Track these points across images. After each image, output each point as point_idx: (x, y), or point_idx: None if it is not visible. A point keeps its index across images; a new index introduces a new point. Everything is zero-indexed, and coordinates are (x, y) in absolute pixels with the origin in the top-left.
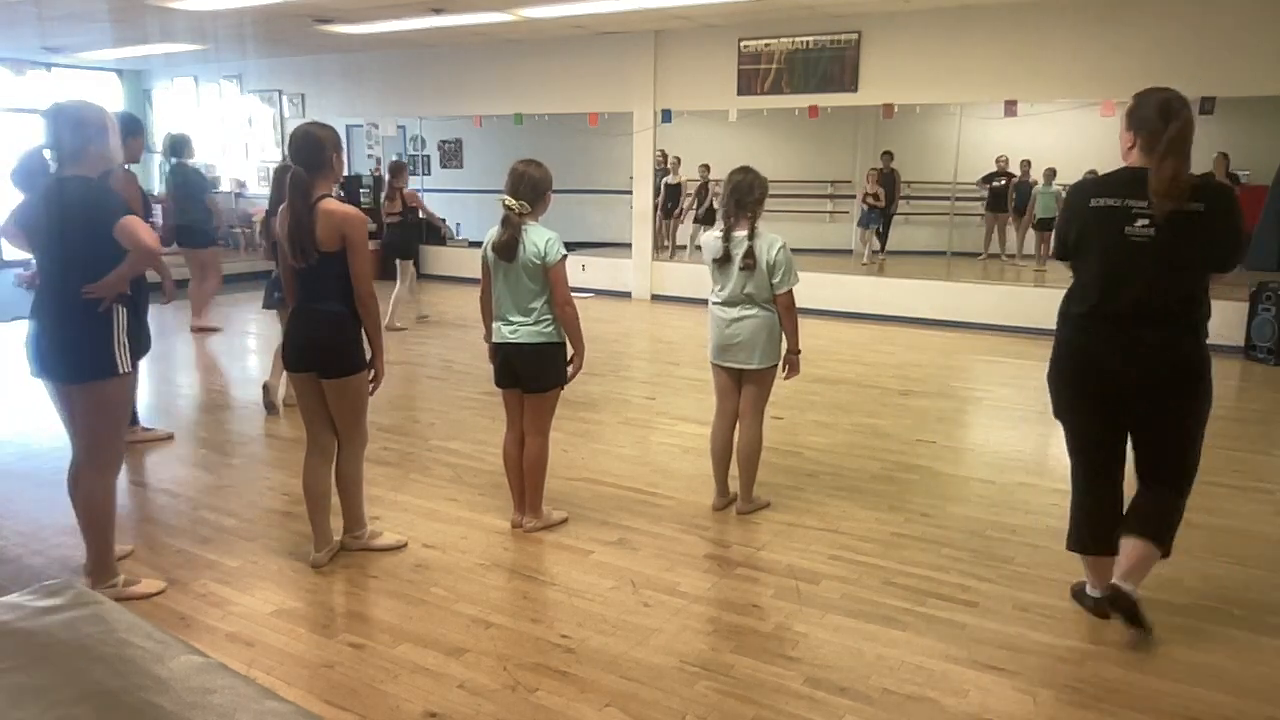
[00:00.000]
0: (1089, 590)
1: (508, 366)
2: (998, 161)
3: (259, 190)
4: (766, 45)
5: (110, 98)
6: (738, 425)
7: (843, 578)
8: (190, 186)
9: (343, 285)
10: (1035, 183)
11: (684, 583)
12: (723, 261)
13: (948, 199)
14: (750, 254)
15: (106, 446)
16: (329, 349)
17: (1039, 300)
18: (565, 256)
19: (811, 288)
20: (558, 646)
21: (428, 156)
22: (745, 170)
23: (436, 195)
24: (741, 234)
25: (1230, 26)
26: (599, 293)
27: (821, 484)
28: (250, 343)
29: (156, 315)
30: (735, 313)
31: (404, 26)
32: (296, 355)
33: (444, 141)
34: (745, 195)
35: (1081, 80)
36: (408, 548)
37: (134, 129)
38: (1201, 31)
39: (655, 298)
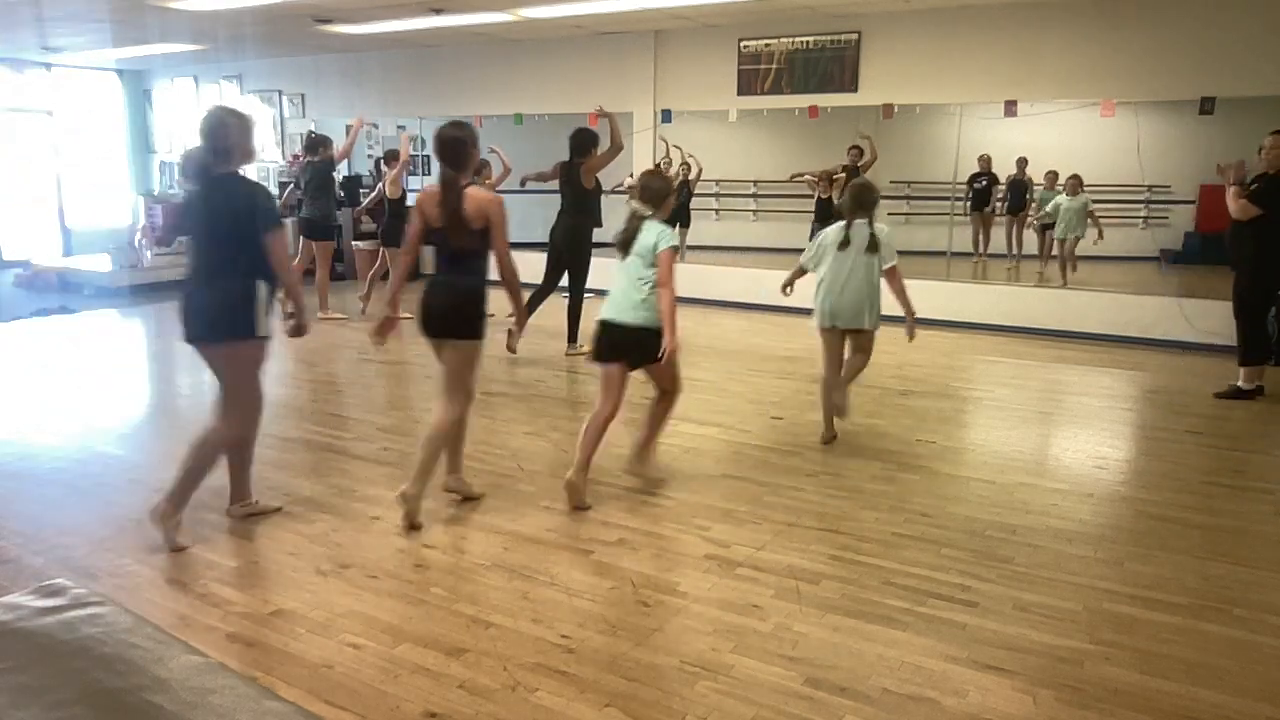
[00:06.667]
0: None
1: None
2: (980, 160)
3: None
4: (766, 45)
5: (110, 98)
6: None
7: (843, 578)
8: (321, 182)
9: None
10: (1031, 181)
11: (684, 583)
12: (844, 244)
13: (948, 199)
14: (874, 239)
15: (241, 394)
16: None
17: (1039, 300)
18: (675, 248)
19: (811, 289)
20: (558, 646)
21: (428, 156)
22: (868, 184)
23: None
24: (861, 222)
25: (1230, 26)
26: (599, 293)
27: (821, 484)
28: None
29: (155, 314)
30: (848, 287)
31: (404, 26)
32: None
33: None
34: (865, 198)
35: (1081, 80)
36: (406, 549)
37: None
38: (1201, 31)
39: None
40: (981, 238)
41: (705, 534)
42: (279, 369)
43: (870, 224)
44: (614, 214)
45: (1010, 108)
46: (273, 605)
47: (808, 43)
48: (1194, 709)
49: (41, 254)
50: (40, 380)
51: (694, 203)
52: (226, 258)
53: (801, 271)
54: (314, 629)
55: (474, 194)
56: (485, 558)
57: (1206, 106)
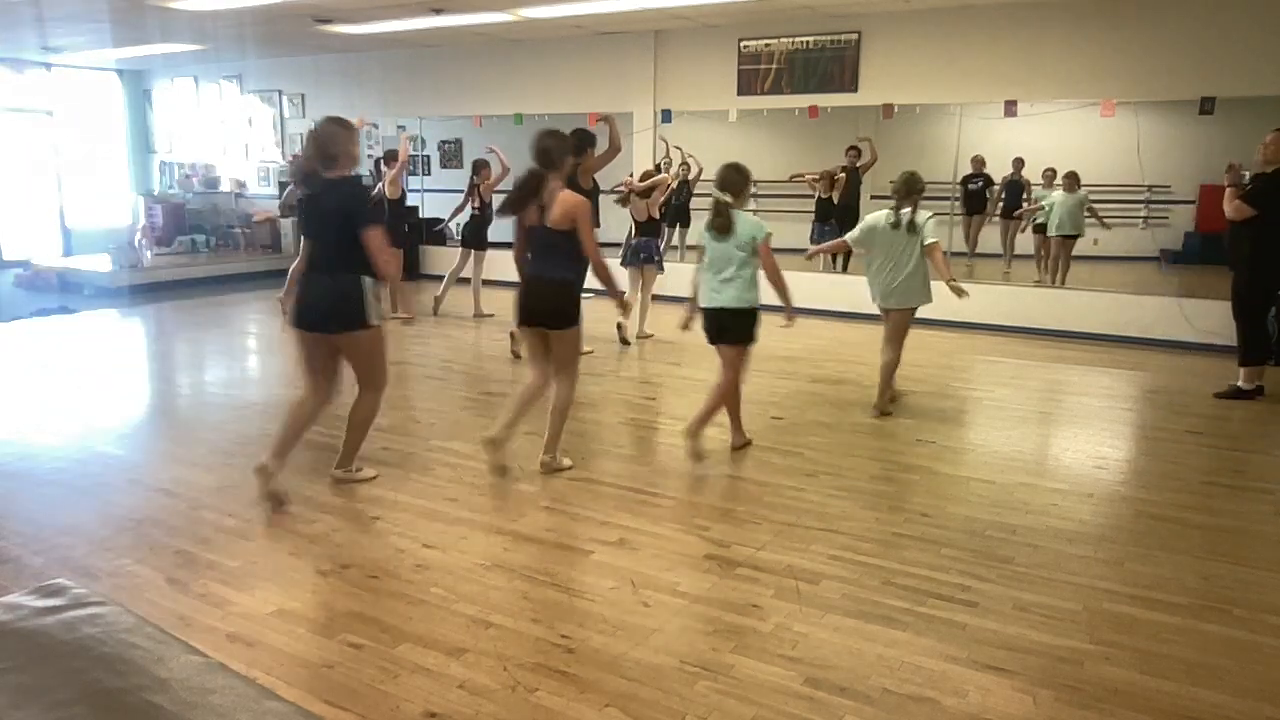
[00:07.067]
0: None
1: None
2: (973, 162)
3: (259, 190)
4: (766, 45)
5: (110, 98)
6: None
7: (843, 578)
8: None
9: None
10: (1028, 182)
11: (684, 583)
12: (895, 226)
13: (947, 199)
14: (913, 223)
15: (377, 374)
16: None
17: (1039, 300)
18: (770, 235)
19: (812, 287)
20: (558, 646)
21: (428, 157)
22: (915, 173)
23: (437, 195)
24: (907, 211)
25: (1230, 26)
26: (599, 293)
27: (821, 484)
28: (250, 343)
29: (155, 314)
30: (895, 266)
31: (404, 26)
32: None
33: (444, 142)
34: (914, 185)
35: (1081, 80)
36: (406, 549)
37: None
38: (1201, 31)
39: (654, 298)
40: (972, 240)
41: (705, 534)
42: (280, 369)
43: (915, 210)
44: (612, 215)
45: (1010, 108)
46: (273, 605)
47: (808, 43)
48: (1194, 709)
49: (41, 254)
50: (40, 380)
51: (694, 203)
52: (338, 254)
53: (843, 245)
54: (314, 629)
55: (564, 197)
56: (485, 558)
57: (1206, 106)
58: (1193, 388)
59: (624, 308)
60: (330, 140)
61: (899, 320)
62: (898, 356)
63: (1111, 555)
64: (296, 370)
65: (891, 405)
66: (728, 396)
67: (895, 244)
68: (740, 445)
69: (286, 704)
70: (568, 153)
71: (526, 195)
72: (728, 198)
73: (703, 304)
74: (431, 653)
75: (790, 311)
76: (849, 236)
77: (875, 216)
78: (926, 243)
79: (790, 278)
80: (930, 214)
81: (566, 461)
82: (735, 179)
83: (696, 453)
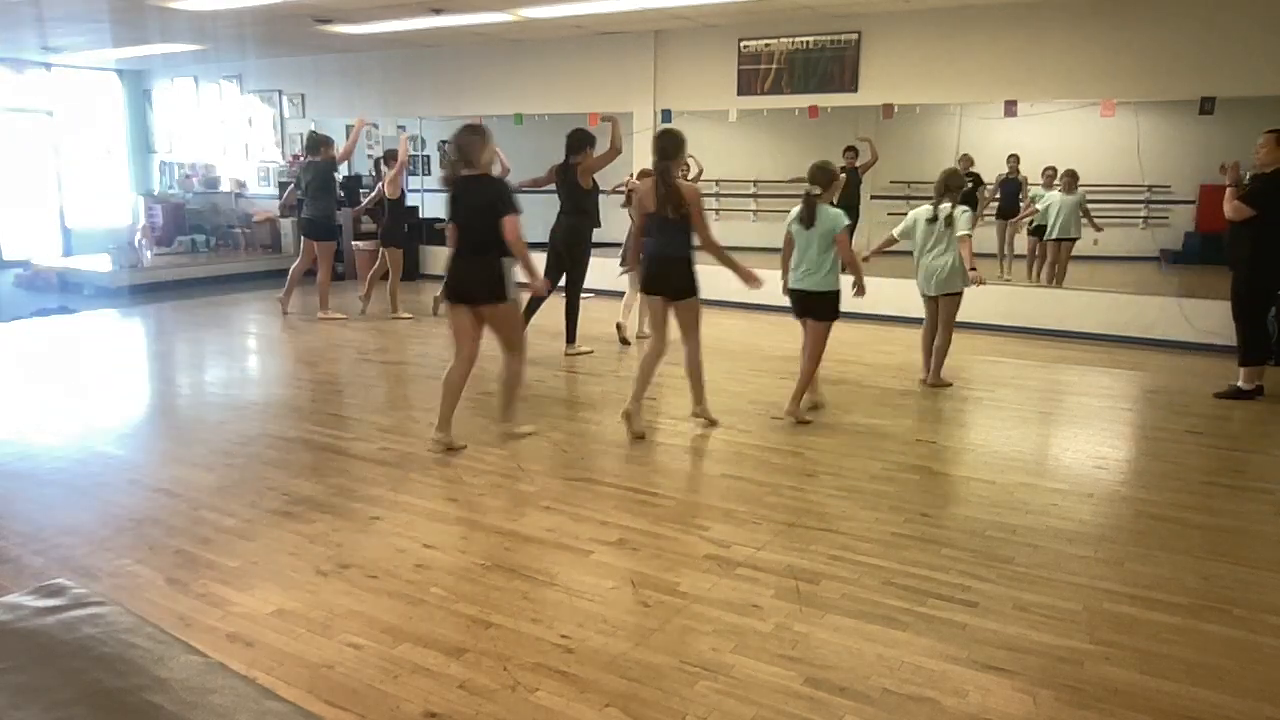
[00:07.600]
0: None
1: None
2: (961, 161)
3: (259, 190)
4: (766, 45)
5: (110, 98)
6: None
7: (843, 578)
8: (323, 182)
9: (500, 240)
10: (1025, 180)
11: (684, 583)
12: (933, 220)
13: None
14: (950, 217)
15: (519, 339)
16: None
17: (1038, 300)
18: (849, 226)
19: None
20: (558, 646)
21: (428, 156)
22: (954, 170)
23: (437, 195)
24: (946, 206)
25: (1230, 26)
26: (599, 293)
27: (821, 484)
28: (250, 343)
29: (155, 314)
30: (935, 255)
31: (404, 26)
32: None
33: (444, 141)
34: (952, 182)
35: (1081, 80)
36: (406, 549)
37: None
38: (1201, 31)
39: None
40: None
41: (705, 534)
42: (280, 369)
43: (954, 205)
44: (613, 215)
45: (1010, 108)
46: (273, 605)
47: (808, 43)
48: (1194, 709)
49: (41, 254)
50: (40, 380)
51: None
52: (485, 239)
53: (891, 240)
54: (314, 629)
55: (679, 185)
56: (485, 558)
57: (1206, 106)
58: (1193, 388)
59: (751, 281)
60: (470, 148)
61: (946, 306)
62: (949, 338)
63: (1111, 555)
64: (450, 341)
65: (948, 388)
66: (810, 370)
67: (933, 236)
68: (796, 417)
69: (286, 704)
70: (684, 144)
71: (660, 187)
72: (817, 190)
73: (790, 285)
74: (431, 653)
75: (859, 285)
76: (895, 230)
77: (917, 211)
78: (957, 235)
79: (876, 246)
80: (965, 209)
81: (710, 417)
82: (823, 175)
83: (801, 419)
